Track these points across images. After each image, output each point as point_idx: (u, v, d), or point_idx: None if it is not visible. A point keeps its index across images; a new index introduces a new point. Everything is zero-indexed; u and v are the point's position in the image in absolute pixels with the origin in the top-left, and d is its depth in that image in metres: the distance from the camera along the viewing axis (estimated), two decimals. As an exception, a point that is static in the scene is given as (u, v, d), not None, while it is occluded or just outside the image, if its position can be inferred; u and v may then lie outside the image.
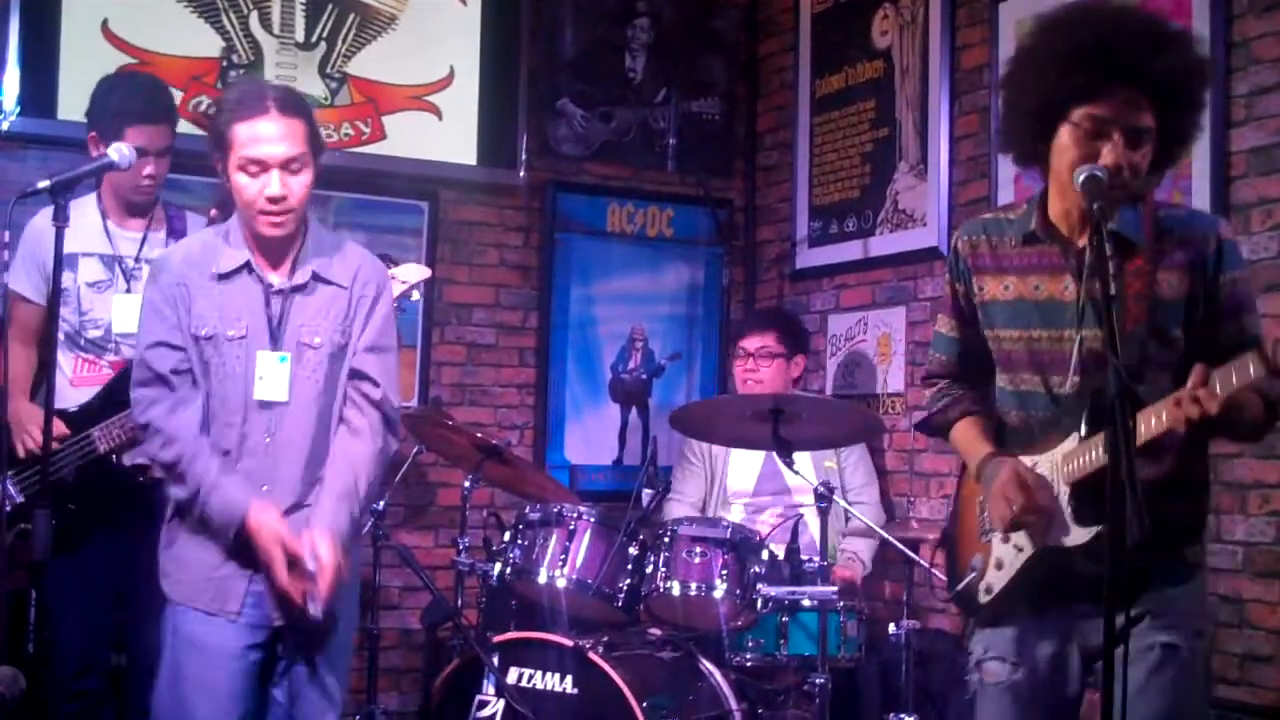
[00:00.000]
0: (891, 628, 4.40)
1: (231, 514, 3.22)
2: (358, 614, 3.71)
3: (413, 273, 4.50)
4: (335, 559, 3.22)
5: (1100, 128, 2.75)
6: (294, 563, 3.21)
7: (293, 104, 3.33)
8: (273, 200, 3.26)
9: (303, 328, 3.36)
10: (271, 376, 3.31)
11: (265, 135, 3.24)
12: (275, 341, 3.33)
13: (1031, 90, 2.83)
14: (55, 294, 3.13)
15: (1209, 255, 2.83)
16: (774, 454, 4.47)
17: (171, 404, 3.29)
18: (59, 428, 3.97)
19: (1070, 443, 2.86)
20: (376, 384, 3.44)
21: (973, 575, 3.01)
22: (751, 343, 5.20)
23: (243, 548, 3.25)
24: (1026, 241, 2.95)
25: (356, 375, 3.44)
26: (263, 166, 3.25)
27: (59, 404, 3.87)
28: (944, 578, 4.38)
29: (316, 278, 3.40)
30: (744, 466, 5.19)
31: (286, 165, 3.27)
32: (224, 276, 3.33)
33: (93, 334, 4.13)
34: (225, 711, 3.26)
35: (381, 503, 4.73)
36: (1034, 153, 2.89)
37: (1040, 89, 2.80)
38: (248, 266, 3.34)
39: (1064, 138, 2.79)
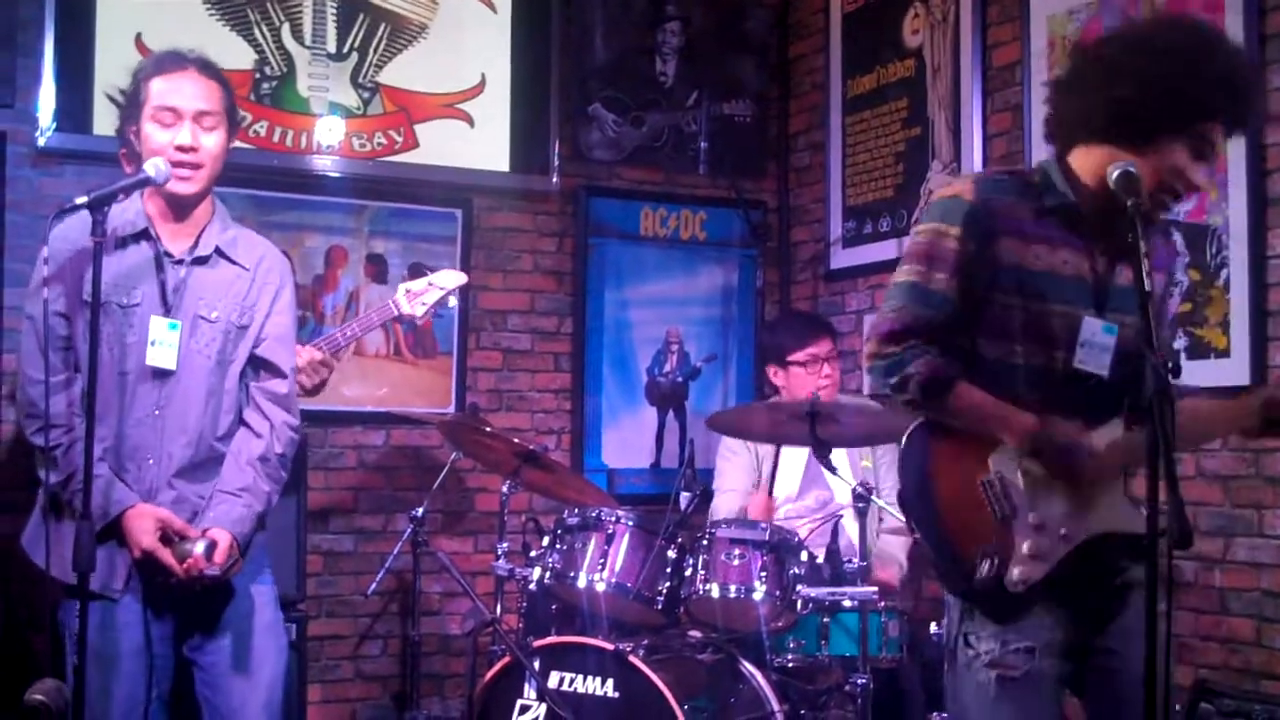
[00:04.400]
0: (933, 627, 4.37)
1: (107, 509, 3.22)
2: (282, 630, 3.62)
3: (450, 279, 4.51)
4: (228, 556, 3.26)
5: (1206, 150, 2.81)
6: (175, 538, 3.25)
7: (212, 70, 3.44)
8: (182, 149, 3.31)
9: (201, 300, 3.38)
10: (162, 343, 3.31)
11: (182, 89, 3.34)
12: (169, 310, 3.34)
13: (1169, 89, 2.79)
14: (95, 309, 3.15)
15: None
16: (814, 456, 4.46)
17: (52, 385, 3.25)
18: None
19: (1111, 430, 2.85)
20: (284, 376, 3.50)
21: (992, 564, 2.84)
22: (822, 348, 5.12)
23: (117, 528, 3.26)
24: (1050, 213, 2.91)
25: (262, 365, 3.49)
26: (176, 115, 3.33)
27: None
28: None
29: (220, 253, 3.43)
30: (788, 471, 5.16)
31: (199, 119, 3.34)
32: (120, 243, 3.33)
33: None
34: (138, 703, 3.25)
35: (420, 509, 4.75)
36: (1112, 133, 2.83)
37: (1182, 92, 2.78)
38: (145, 234, 3.36)
39: (1171, 143, 2.79)
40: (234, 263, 3.45)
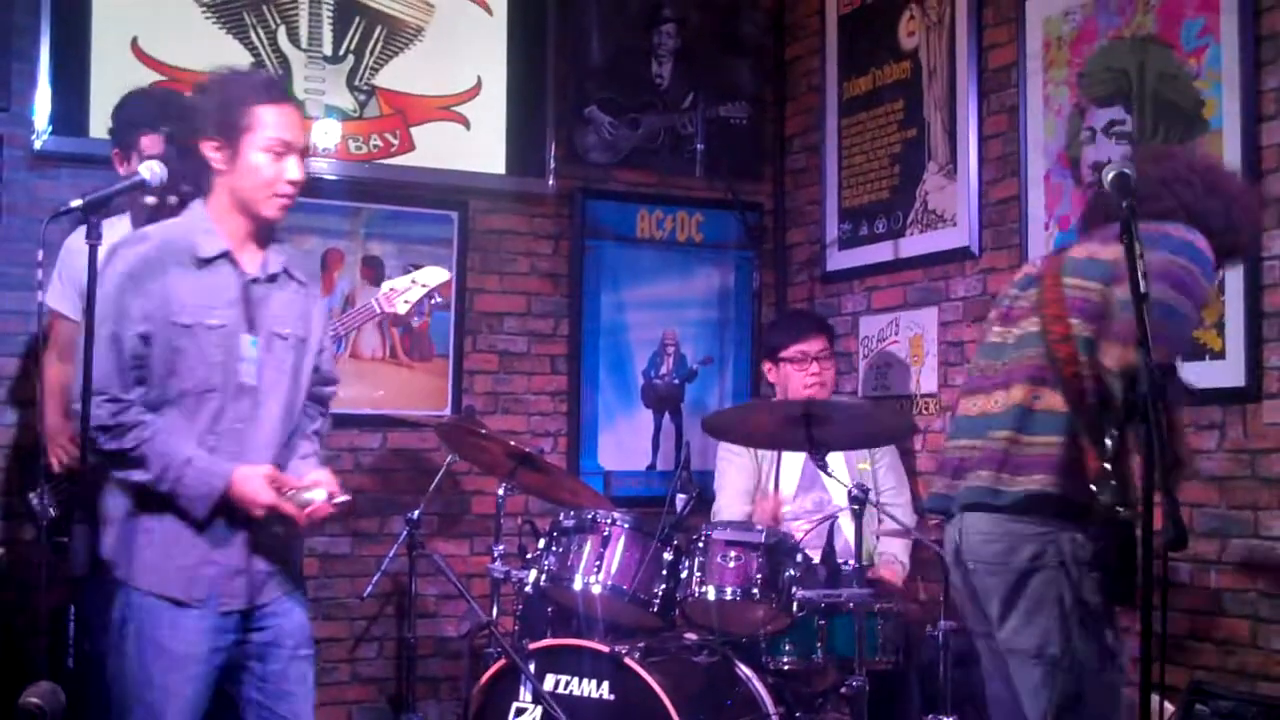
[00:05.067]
0: (929, 629, 4.38)
1: (212, 484, 3.23)
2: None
3: (433, 276, 4.51)
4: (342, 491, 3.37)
5: None
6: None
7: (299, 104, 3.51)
8: (293, 184, 3.34)
9: (274, 318, 3.41)
10: (249, 360, 3.34)
11: (291, 121, 3.35)
12: (251, 328, 3.36)
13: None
14: (90, 312, 3.14)
15: None
16: (809, 459, 4.46)
17: (124, 402, 3.25)
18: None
19: None
20: (334, 382, 3.69)
21: None
22: (812, 346, 5.14)
23: (215, 532, 3.28)
24: None
25: (324, 380, 3.62)
26: (288, 149, 3.33)
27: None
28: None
29: (286, 273, 3.47)
30: (787, 470, 5.16)
31: (302, 153, 3.39)
32: (204, 263, 3.32)
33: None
34: (201, 709, 3.27)
35: (416, 512, 4.74)
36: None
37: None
38: (227, 255, 3.36)
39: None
40: (294, 279, 3.50)
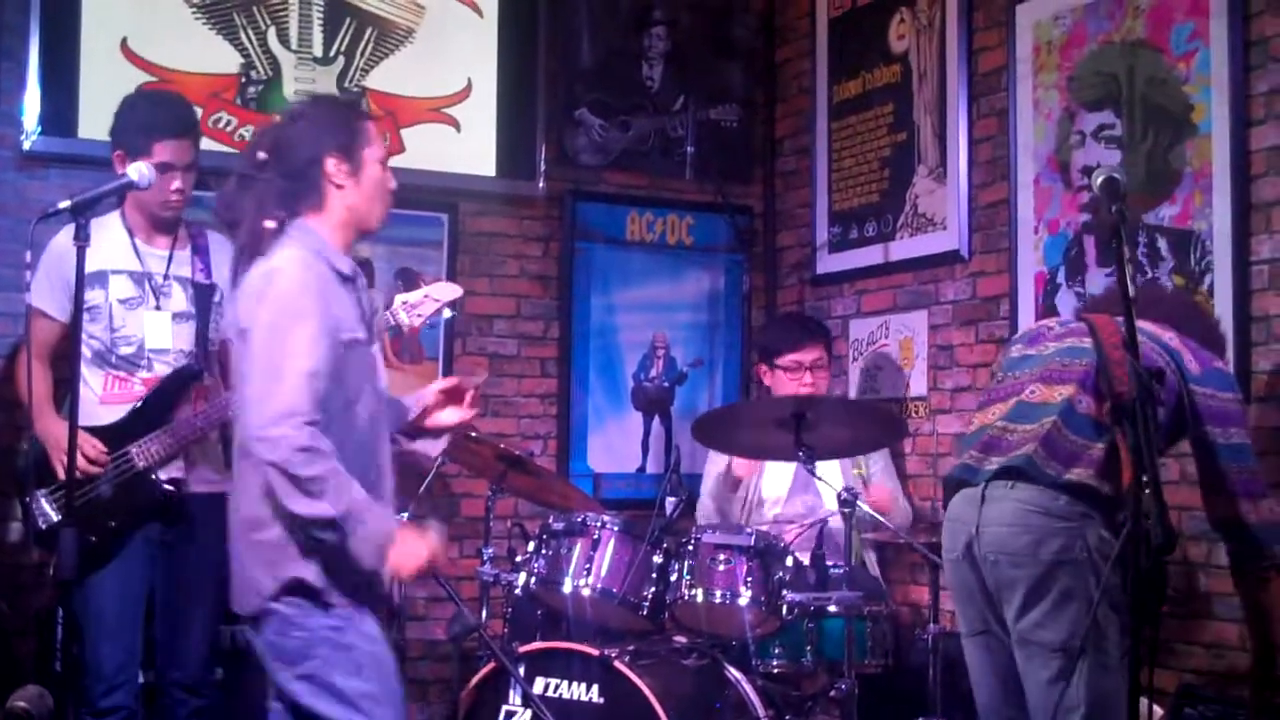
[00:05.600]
0: (918, 632, 4.39)
1: (389, 532, 3.13)
2: None
3: (446, 291, 4.50)
4: None
5: None
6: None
7: None
8: (393, 193, 3.41)
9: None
10: (381, 374, 3.39)
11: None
12: (372, 341, 3.36)
13: None
14: (77, 313, 3.14)
15: None
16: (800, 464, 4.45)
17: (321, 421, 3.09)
18: (99, 446, 4.00)
19: None
20: None
21: None
22: (808, 355, 5.13)
23: None
24: None
25: None
26: (388, 159, 3.42)
27: (90, 421, 3.92)
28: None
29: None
30: (777, 474, 5.17)
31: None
32: (345, 280, 3.28)
33: (125, 350, 4.14)
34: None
35: (405, 514, 4.73)
36: None
37: None
38: (360, 269, 3.38)
39: None
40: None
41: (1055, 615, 3.16)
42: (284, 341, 3.03)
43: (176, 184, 4.11)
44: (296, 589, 3.09)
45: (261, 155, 3.26)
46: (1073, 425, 3.23)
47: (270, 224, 3.21)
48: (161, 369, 4.16)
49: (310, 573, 3.09)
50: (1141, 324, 3.18)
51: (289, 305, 3.07)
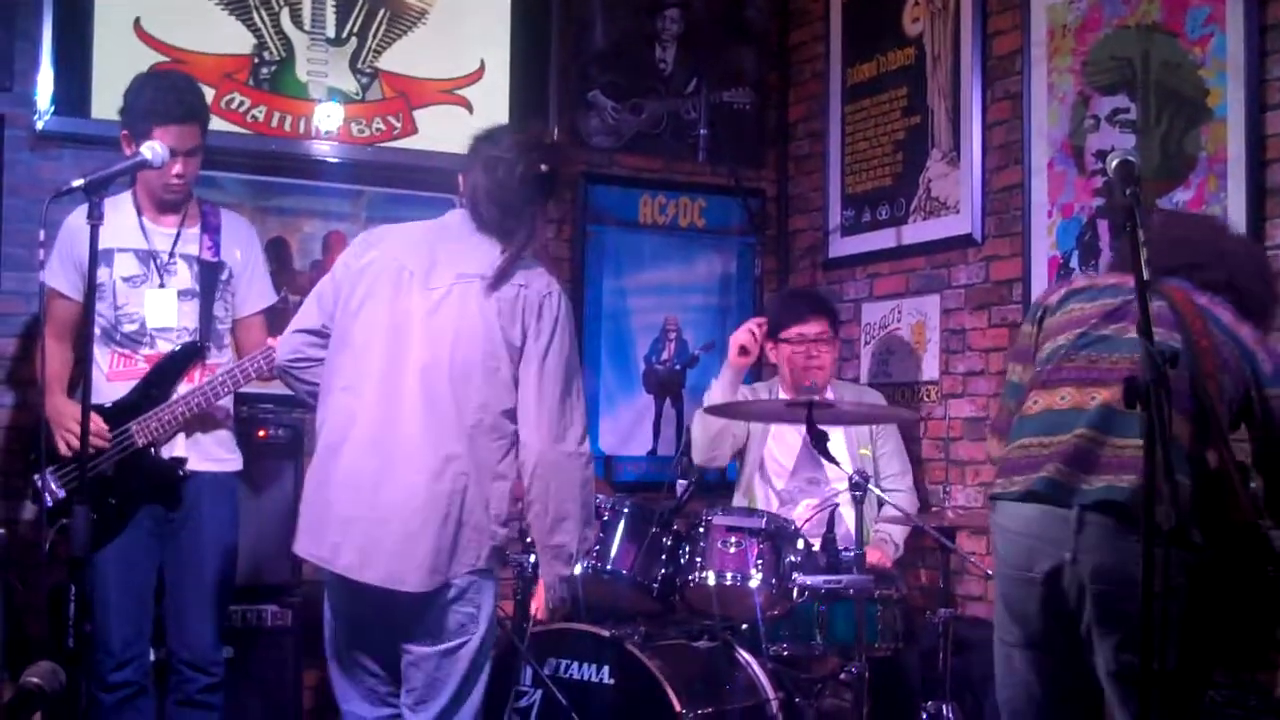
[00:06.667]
0: (929, 616, 4.39)
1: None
2: None
3: None
4: None
5: None
6: None
7: None
8: None
9: None
10: None
11: None
12: None
13: None
14: (90, 292, 3.14)
15: None
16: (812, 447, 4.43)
17: None
18: (98, 424, 4.01)
19: None
20: None
21: None
22: (811, 328, 5.07)
23: None
24: None
25: None
26: None
27: (96, 399, 3.92)
28: (982, 566, 4.41)
29: None
30: (784, 443, 5.14)
31: None
32: None
33: (128, 328, 4.15)
34: None
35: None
36: None
37: None
38: None
39: None
40: None
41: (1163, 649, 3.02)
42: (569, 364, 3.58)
43: (177, 169, 4.09)
44: None
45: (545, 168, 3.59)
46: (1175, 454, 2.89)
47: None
48: (165, 346, 4.16)
49: None
50: (1214, 308, 3.11)
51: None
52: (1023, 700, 3.27)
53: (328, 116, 5.45)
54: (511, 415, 3.49)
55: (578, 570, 4.25)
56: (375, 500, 3.40)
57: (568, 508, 3.51)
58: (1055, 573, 3.07)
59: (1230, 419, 3.12)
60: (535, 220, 3.62)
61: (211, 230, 4.27)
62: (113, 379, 4.13)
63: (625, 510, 4.38)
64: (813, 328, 5.09)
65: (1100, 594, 3.01)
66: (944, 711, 4.26)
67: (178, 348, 4.17)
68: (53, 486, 4.07)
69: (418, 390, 3.42)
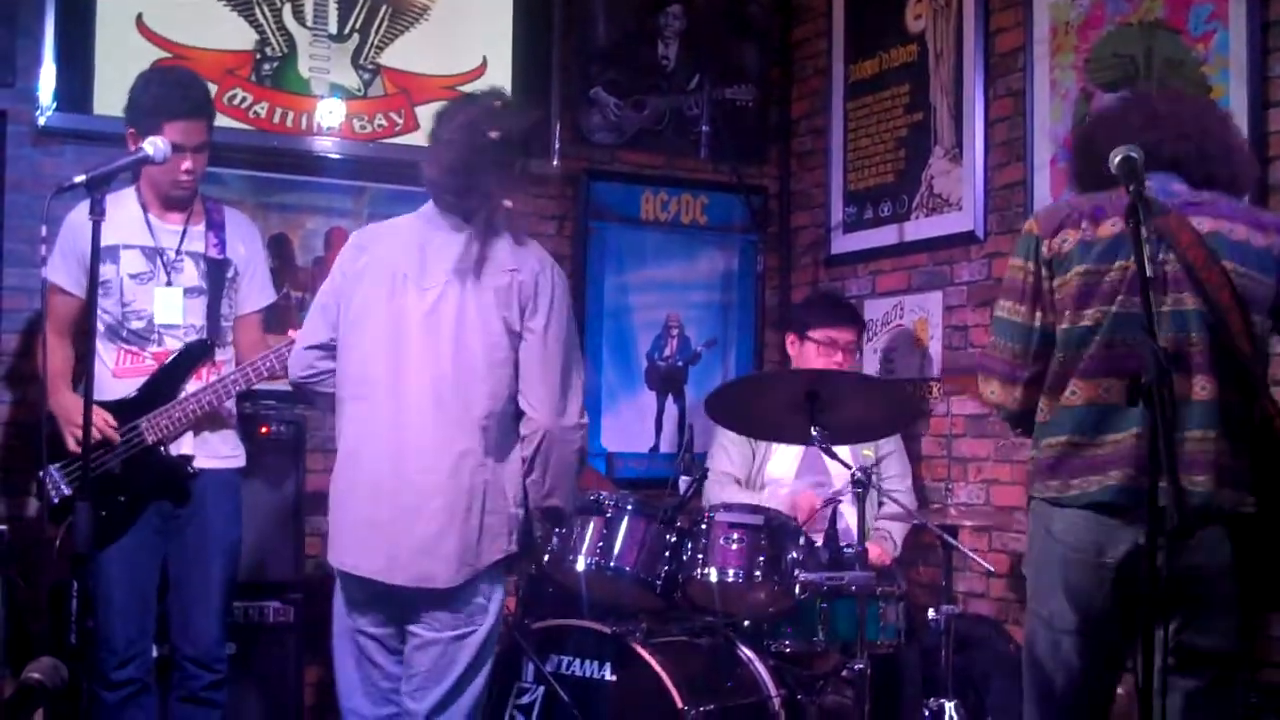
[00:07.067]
0: (931, 613, 4.38)
1: None
2: None
3: None
4: None
5: None
6: None
7: None
8: None
9: None
10: None
11: None
12: None
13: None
14: (93, 288, 3.14)
15: None
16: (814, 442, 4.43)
17: None
18: (110, 420, 4.01)
19: None
20: None
21: None
22: (843, 336, 5.14)
23: None
24: None
25: None
26: None
27: (102, 396, 3.93)
28: (984, 563, 4.41)
29: None
30: (784, 455, 5.16)
31: None
32: None
33: (135, 325, 4.15)
34: None
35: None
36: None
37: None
38: None
39: None
40: None
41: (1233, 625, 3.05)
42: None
43: (187, 164, 4.10)
44: None
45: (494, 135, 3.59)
46: (1236, 434, 2.98)
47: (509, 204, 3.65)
48: (172, 344, 4.16)
49: None
50: (1220, 226, 3.03)
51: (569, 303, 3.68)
52: (1060, 684, 3.17)
53: (330, 113, 5.45)
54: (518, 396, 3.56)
55: (580, 567, 4.29)
56: (396, 504, 3.44)
57: (564, 477, 3.61)
58: (1130, 557, 2.99)
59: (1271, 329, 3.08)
60: (493, 192, 3.62)
61: (216, 227, 4.27)
62: (119, 375, 4.13)
63: (628, 507, 4.38)
64: (844, 335, 5.15)
65: (1189, 580, 2.93)
66: (945, 709, 4.25)
67: (188, 345, 4.17)
68: (60, 484, 4.07)
69: (424, 392, 3.45)
